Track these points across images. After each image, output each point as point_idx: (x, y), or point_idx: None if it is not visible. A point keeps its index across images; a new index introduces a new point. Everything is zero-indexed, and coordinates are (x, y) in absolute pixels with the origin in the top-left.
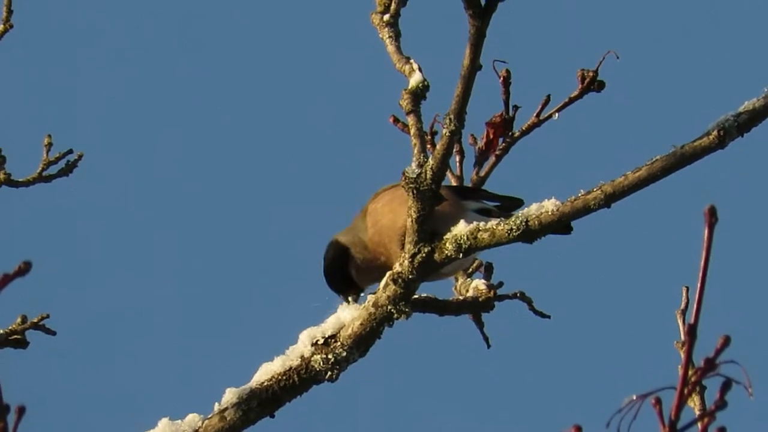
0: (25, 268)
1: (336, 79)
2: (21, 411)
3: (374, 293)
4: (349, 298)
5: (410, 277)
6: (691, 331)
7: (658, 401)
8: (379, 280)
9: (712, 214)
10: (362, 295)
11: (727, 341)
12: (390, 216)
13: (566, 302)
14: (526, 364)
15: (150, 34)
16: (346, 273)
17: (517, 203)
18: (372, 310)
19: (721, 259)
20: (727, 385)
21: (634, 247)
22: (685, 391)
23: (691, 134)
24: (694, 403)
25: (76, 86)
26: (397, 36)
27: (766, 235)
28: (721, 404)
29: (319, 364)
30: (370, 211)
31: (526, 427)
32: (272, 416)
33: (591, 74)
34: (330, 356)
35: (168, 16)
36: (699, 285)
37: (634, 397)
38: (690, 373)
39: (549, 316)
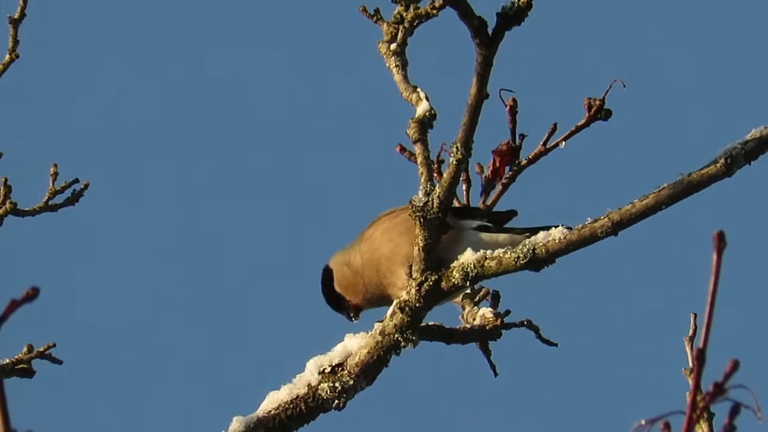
0: (32, 294)
1: (342, 108)
2: None
3: (381, 321)
4: (351, 315)
5: (417, 305)
6: (700, 356)
7: (667, 426)
8: (374, 301)
9: (721, 239)
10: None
11: (735, 365)
12: (389, 246)
13: (573, 330)
14: (533, 392)
15: (157, 62)
16: (334, 293)
17: (511, 215)
18: (379, 338)
19: (730, 284)
20: (736, 410)
21: (641, 275)
22: (694, 416)
23: (699, 162)
24: (702, 430)
25: (82, 116)
26: (404, 65)
27: None
28: (730, 429)
29: (326, 392)
30: (366, 237)
31: None
32: None
33: (598, 103)
34: (337, 384)
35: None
36: (708, 309)
37: (643, 422)
38: (699, 398)
39: (556, 345)
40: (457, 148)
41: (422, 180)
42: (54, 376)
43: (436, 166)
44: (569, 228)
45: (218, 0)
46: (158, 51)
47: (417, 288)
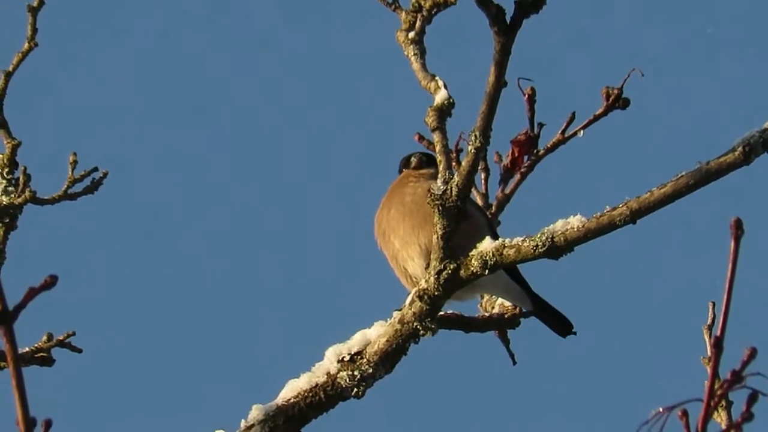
0: (51, 282)
1: (360, 96)
2: (48, 424)
3: (400, 310)
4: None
5: (436, 294)
6: (718, 344)
7: (685, 413)
8: None
9: (738, 226)
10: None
11: (753, 353)
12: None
13: (592, 319)
14: (552, 380)
15: (180, 57)
16: None
17: None
18: (398, 326)
19: (747, 271)
20: (753, 397)
21: (659, 263)
22: (712, 403)
23: (717, 150)
24: (720, 419)
25: (103, 104)
26: (422, 53)
27: None
28: (748, 416)
29: (346, 380)
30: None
31: None
32: None
33: (616, 92)
34: (356, 373)
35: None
36: (725, 297)
37: (661, 410)
38: (716, 385)
39: (575, 333)
40: (475, 136)
41: (441, 168)
42: (74, 365)
43: (454, 154)
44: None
45: None
46: (179, 38)
47: (436, 276)
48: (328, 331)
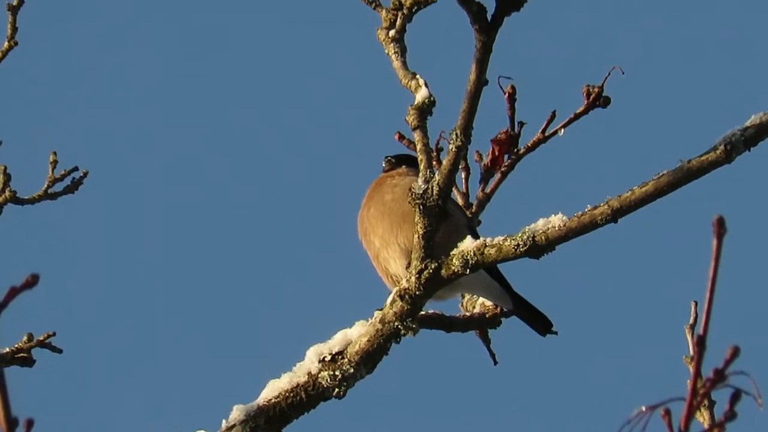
0: (32, 281)
1: (341, 95)
2: (29, 424)
3: (381, 309)
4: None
5: (417, 293)
6: (701, 342)
7: (668, 412)
8: None
9: (721, 224)
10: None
11: (736, 352)
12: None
13: (574, 317)
14: (533, 379)
15: (160, 47)
16: None
17: None
18: (379, 326)
19: (729, 270)
20: (736, 396)
21: (641, 262)
22: (695, 402)
23: (698, 149)
24: (703, 418)
25: (81, 103)
26: (402, 52)
27: None
28: (731, 415)
29: (327, 380)
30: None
31: None
32: None
33: (596, 90)
34: (337, 373)
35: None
36: (708, 296)
37: (644, 409)
38: (699, 384)
39: (556, 333)
40: (456, 135)
41: (421, 167)
42: (54, 365)
43: (435, 153)
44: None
45: None
46: (162, 36)
47: (417, 276)
48: (309, 331)
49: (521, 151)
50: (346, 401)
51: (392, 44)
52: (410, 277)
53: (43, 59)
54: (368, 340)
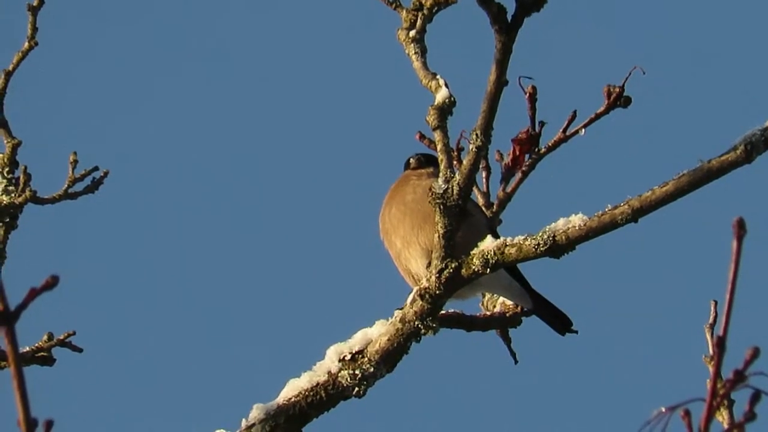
0: (52, 282)
1: (361, 95)
2: (49, 425)
3: (401, 309)
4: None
5: (437, 292)
6: (720, 343)
7: (687, 413)
8: None
9: (741, 226)
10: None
11: (756, 353)
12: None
13: (593, 317)
14: (553, 379)
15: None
16: None
17: None
18: (399, 325)
19: (750, 271)
20: (756, 397)
21: (661, 262)
22: (715, 403)
23: (718, 149)
24: (723, 419)
25: (103, 104)
26: (423, 52)
27: None
28: (751, 416)
29: (347, 379)
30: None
31: None
32: None
33: (617, 90)
34: (357, 372)
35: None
36: (728, 296)
37: (663, 410)
38: (719, 385)
39: (576, 332)
40: (476, 135)
41: (442, 167)
42: (74, 365)
43: (455, 153)
44: None
45: None
46: (179, 38)
47: (437, 275)
48: (330, 330)
49: (542, 151)
50: (365, 400)
51: (413, 45)
52: (431, 277)
53: (65, 59)
54: (388, 340)
